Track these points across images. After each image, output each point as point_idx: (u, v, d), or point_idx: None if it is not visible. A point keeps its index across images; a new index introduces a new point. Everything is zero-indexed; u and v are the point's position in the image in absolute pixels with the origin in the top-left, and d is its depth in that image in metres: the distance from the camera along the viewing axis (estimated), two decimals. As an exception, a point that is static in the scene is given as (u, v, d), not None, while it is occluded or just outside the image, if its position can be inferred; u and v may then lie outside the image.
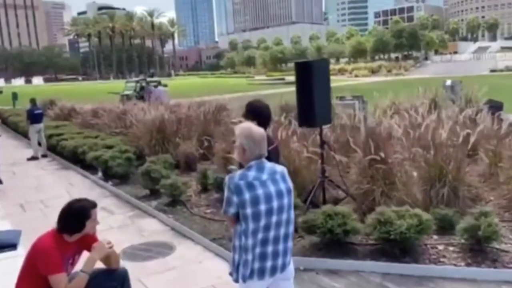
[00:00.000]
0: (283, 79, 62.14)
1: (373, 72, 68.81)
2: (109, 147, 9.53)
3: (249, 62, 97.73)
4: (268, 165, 2.56)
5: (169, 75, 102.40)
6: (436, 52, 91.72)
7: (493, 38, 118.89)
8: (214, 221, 5.88)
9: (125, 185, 8.16)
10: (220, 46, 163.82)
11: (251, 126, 2.57)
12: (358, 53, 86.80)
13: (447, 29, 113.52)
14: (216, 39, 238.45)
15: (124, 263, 4.72)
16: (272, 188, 2.49)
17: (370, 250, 4.59)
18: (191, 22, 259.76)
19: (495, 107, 9.87)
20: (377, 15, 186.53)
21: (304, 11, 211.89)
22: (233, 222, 2.55)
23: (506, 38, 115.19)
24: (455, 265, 4.17)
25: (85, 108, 15.15)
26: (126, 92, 30.10)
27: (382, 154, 5.11)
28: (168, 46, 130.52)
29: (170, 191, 6.60)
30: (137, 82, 33.41)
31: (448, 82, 14.71)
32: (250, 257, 2.47)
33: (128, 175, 8.53)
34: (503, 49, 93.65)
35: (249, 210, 2.42)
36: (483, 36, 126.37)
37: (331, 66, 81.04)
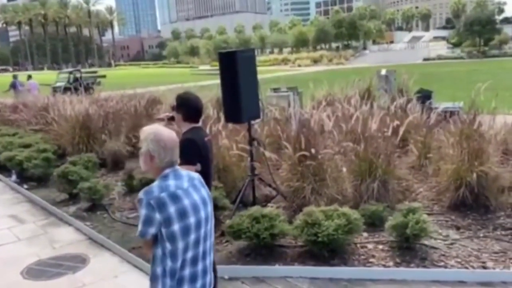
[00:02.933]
0: (226, 69, 61.49)
1: (315, 61, 69.55)
2: (27, 146, 8.72)
3: (193, 51, 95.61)
4: (184, 171, 2.19)
5: (109, 65, 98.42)
6: (374, 42, 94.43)
7: (426, 28, 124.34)
8: (134, 226, 5.39)
9: (42, 188, 7.44)
10: (163, 35, 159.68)
11: (160, 129, 2.17)
12: (301, 43, 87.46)
13: (384, 19, 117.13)
14: (159, 27, 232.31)
15: (26, 283, 4.19)
16: (196, 196, 2.15)
17: (299, 252, 4.33)
18: (131, 10, 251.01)
19: (425, 96, 10.01)
20: (318, 5, 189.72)
21: (248, 0, 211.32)
22: (151, 246, 2.13)
23: (438, 28, 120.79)
24: (384, 265, 4.00)
25: (5, 102, 13.91)
26: (58, 84, 28.36)
27: (313, 150, 4.85)
28: (108, 35, 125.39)
29: (89, 195, 6.03)
30: (70, 73, 31.58)
31: (383, 72, 14.89)
32: (177, 282, 2.08)
33: (46, 177, 7.80)
34: (435, 38, 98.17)
35: (176, 226, 2.02)
36: (417, 26, 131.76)
37: (274, 56, 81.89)
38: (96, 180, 6.45)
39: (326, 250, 4.07)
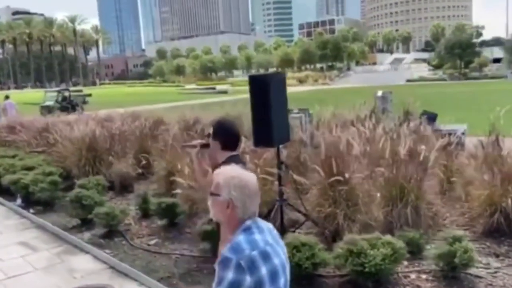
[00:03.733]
0: (213, 88, 61.71)
1: (301, 81, 70.40)
2: (30, 168, 8.42)
3: (179, 70, 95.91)
4: (263, 222, 1.92)
5: (93, 84, 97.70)
6: (357, 63, 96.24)
7: (407, 50, 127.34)
8: (160, 254, 5.21)
9: (50, 213, 7.16)
10: (148, 55, 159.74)
11: (244, 173, 1.89)
12: (286, 63, 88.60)
13: (366, 41, 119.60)
14: (143, 47, 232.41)
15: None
16: (280, 251, 1.87)
17: (340, 282, 4.19)
18: (116, 29, 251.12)
19: (430, 118, 10.08)
20: (301, 26, 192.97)
21: (232, 21, 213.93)
22: None
23: (417, 50, 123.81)
24: (432, 296, 3.89)
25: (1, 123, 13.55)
26: (47, 103, 27.92)
27: (347, 174, 4.76)
28: (92, 54, 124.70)
29: (106, 221, 5.80)
30: (59, 92, 31.17)
31: (379, 93, 15.04)
32: None
33: (53, 202, 7.53)
34: (416, 60, 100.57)
35: None
36: (397, 48, 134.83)
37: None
38: (112, 205, 6.23)
39: (370, 280, 3.94)
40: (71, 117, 14.10)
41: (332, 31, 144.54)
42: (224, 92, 52.94)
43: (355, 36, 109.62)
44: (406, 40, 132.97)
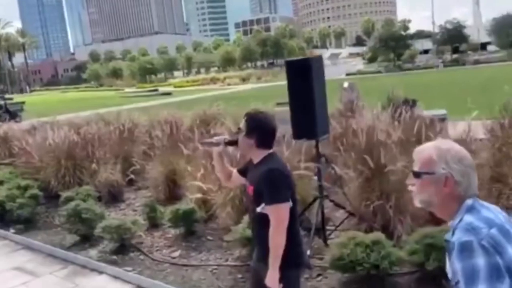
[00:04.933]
0: (156, 90, 59.72)
1: (244, 80, 70.19)
2: (-2, 183, 7.42)
3: (116, 74, 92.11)
4: (485, 202, 1.57)
5: (21, 91, 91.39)
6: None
7: (339, 45, 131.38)
8: (192, 267, 4.63)
9: (34, 231, 6.29)
10: (78, 58, 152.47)
11: (455, 144, 1.59)
12: (227, 62, 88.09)
13: (303, 38, 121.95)
14: (72, 50, 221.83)
15: None
16: None
17: (410, 279, 3.86)
18: (40, 33, 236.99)
19: (412, 104, 10.14)
20: (237, 25, 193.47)
21: (166, 21, 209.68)
22: None
23: (349, 45, 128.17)
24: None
25: None
26: (-19, 112, 25.56)
27: (398, 164, 4.45)
28: (16, 60, 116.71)
29: (118, 235, 5.10)
30: (-8, 100, 28.68)
31: (346, 84, 15.08)
32: None
33: (35, 218, 6.64)
34: (351, 55, 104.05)
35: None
36: (330, 44, 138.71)
37: (202, 76, 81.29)
38: (121, 217, 5.52)
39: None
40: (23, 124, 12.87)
41: (268, 29, 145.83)
42: (168, 94, 51.41)
43: (291, 33, 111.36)
44: (339, 36, 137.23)
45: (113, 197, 7.28)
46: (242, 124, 2.57)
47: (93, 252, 5.28)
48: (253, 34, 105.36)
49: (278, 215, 2.35)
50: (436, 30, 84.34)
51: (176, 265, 4.72)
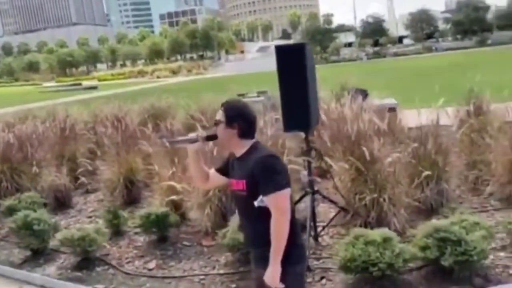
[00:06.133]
0: (79, 84, 56.36)
1: (174, 72, 68.39)
2: None
3: (32, 67, 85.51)
4: None
5: None
6: (227, 52, 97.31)
7: (267, 39, 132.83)
8: (175, 279, 4.12)
9: (-30, 248, 5.37)
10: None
11: None
12: (155, 54, 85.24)
13: (231, 30, 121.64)
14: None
15: None
16: None
17: (418, 276, 3.67)
18: None
19: (363, 95, 10.18)
20: (162, 17, 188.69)
21: (85, 12, 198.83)
22: None
23: (276, 38, 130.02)
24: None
25: None
26: None
27: (390, 158, 4.25)
28: None
29: (81, 248, 4.43)
30: None
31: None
32: None
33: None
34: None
35: None
36: (257, 37, 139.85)
37: (129, 68, 77.93)
38: (82, 227, 4.82)
39: (467, 270, 3.47)
40: None
41: (194, 21, 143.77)
42: (94, 88, 48.67)
43: (220, 26, 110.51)
44: (267, 29, 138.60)
45: (60, 203, 6.47)
46: (220, 115, 2.31)
47: (51, 268, 4.57)
48: (181, 26, 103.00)
49: (280, 203, 2.14)
50: (358, 24, 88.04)
51: (155, 277, 4.18)
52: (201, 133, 2.46)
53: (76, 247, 4.43)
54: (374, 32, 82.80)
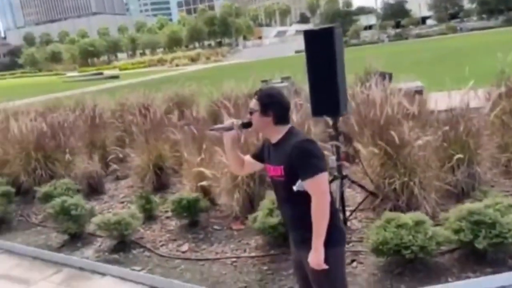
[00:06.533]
0: (101, 73, 57.11)
1: (193, 60, 68.48)
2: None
3: (55, 57, 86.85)
4: None
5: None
6: (245, 38, 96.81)
7: (284, 23, 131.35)
8: (208, 261, 4.23)
9: (10, 233, 5.61)
10: (11, 42, 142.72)
11: None
12: (174, 42, 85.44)
13: (249, 15, 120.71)
14: (3, 34, 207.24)
15: None
16: None
17: (450, 259, 3.69)
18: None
19: (388, 77, 10.04)
20: (180, 4, 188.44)
21: (104, 1, 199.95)
22: None
23: (295, 23, 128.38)
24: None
25: None
26: None
27: (420, 140, 4.24)
28: None
29: (118, 231, 4.58)
30: None
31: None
32: None
33: (7, 218, 5.93)
34: (298, 32, 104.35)
35: None
36: (275, 22, 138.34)
37: (149, 57, 78.37)
38: (118, 211, 4.99)
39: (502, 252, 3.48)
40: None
41: (212, 8, 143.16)
42: (116, 77, 49.21)
43: (237, 11, 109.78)
44: (285, 13, 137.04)
45: (92, 189, 6.66)
46: (254, 104, 2.36)
47: (88, 251, 4.75)
48: (199, 13, 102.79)
49: (319, 187, 2.20)
50: (379, 5, 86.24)
51: (189, 260, 4.30)
52: (236, 121, 2.50)
53: (113, 230, 4.58)
54: (395, 14, 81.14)
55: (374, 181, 4.50)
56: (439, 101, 5.32)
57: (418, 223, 3.52)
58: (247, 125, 2.45)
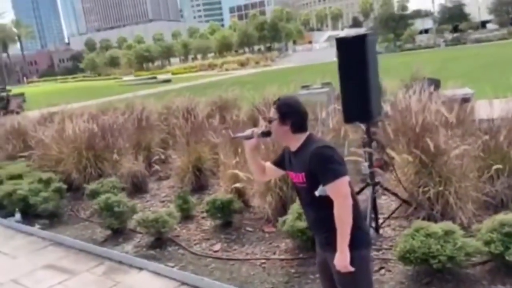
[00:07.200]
0: (155, 77, 59.05)
1: (242, 65, 69.29)
2: (17, 176, 7.13)
3: (113, 62, 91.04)
4: None
5: (18, 82, 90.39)
6: (294, 43, 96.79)
7: (336, 27, 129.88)
8: (238, 261, 4.36)
9: (61, 226, 6.02)
10: (74, 48, 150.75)
11: None
12: (224, 47, 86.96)
13: (300, 20, 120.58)
14: (67, 40, 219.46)
15: None
16: None
17: (487, 271, 3.59)
18: (34, 23, 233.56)
19: (436, 85, 9.76)
20: (232, 10, 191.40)
21: (160, 8, 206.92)
22: None
23: (347, 27, 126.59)
24: None
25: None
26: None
27: (462, 147, 4.16)
28: (11, 51, 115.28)
29: (155, 229, 4.82)
30: (-2, 91, 28.27)
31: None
32: None
33: (59, 213, 6.36)
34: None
35: None
36: (326, 26, 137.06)
37: (200, 62, 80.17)
38: (156, 209, 5.25)
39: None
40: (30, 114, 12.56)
41: (263, 13, 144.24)
42: (168, 81, 50.80)
43: (288, 16, 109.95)
44: (337, 17, 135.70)
45: (137, 188, 6.99)
46: (273, 112, 2.44)
47: (128, 247, 5.02)
48: (250, 19, 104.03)
49: (340, 191, 2.25)
50: (436, 8, 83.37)
51: (220, 259, 4.45)
52: (256, 129, 2.60)
53: (151, 227, 4.83)
54: (453, 17, 78.06)
55: (408, 189, 4.45)
56: (489, 109, 5.17)
57: (448, 233, 3.47)
58: (266, 134, 2.53)
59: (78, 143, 7.17)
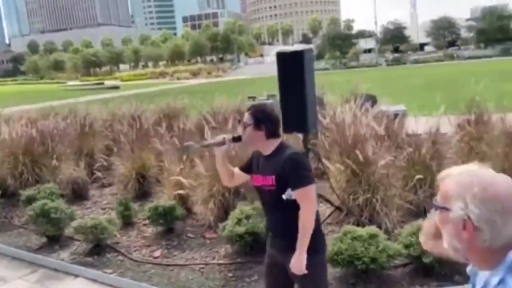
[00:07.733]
0: (102, 83, 57.55)
1: (194, 74, 69.21)
2: None
3: (57, 66, 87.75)
4: None
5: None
6: (246, 55, 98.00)
7: (287, 43, 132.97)
8: (177, 267, 4.43)
9: (-6, 233, 5.80)
10: (14, 50, 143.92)
11: (488, 176, 1.15)
12: (177, 56, 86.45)
13: (252, 34, 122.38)
14: (7, 41, 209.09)
15: None
16: None
17: (406, 273, 3.90)
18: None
19: (373, 101, 10.31)
20: (185, 19, 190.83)
21: (110, 13, 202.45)
22: None
23: (297, 42, 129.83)
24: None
25: None
26: None
27: (384, 159, 4.49)
28: None
29: (94, 235, 4.79)
30: None
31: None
32: None
33: (-7, 219, 6.13)
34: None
35: None
36: (277, 41, 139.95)
37: (151, 69, 79.22)
38: (94, 216, 5.20)
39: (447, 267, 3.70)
40: None
41: (216, 24, 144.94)
42: (116, 87, 49.64)
43: (241, 29, 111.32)
44: (287, 33, 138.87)
45: (77, 195, 6.87)
46: (247, 118, 2.51)
47: (65, 254, 4.94)
48: (203, 29, 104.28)
49: (309, 197, 2.38)
50: (378, 29, 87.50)
51: (160, 265, 4.50)
52: (227, 136, 2.65)
53: (89, 234, 4.78)
54: (394, 39, 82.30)
55: (340, 197, 4.73)
56: (418, 125, 5.61)
57: (372, 236, 3.75)
58: (237, 139, 2.59)
59: (15, 148, 6.96)
